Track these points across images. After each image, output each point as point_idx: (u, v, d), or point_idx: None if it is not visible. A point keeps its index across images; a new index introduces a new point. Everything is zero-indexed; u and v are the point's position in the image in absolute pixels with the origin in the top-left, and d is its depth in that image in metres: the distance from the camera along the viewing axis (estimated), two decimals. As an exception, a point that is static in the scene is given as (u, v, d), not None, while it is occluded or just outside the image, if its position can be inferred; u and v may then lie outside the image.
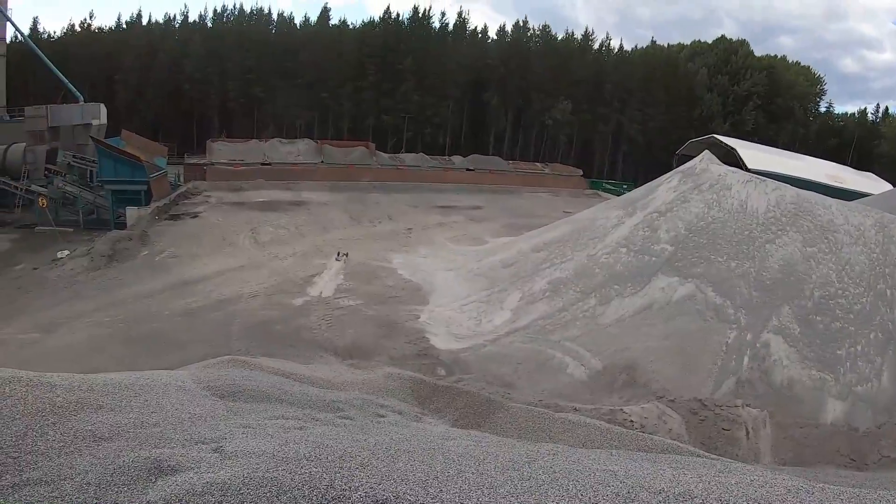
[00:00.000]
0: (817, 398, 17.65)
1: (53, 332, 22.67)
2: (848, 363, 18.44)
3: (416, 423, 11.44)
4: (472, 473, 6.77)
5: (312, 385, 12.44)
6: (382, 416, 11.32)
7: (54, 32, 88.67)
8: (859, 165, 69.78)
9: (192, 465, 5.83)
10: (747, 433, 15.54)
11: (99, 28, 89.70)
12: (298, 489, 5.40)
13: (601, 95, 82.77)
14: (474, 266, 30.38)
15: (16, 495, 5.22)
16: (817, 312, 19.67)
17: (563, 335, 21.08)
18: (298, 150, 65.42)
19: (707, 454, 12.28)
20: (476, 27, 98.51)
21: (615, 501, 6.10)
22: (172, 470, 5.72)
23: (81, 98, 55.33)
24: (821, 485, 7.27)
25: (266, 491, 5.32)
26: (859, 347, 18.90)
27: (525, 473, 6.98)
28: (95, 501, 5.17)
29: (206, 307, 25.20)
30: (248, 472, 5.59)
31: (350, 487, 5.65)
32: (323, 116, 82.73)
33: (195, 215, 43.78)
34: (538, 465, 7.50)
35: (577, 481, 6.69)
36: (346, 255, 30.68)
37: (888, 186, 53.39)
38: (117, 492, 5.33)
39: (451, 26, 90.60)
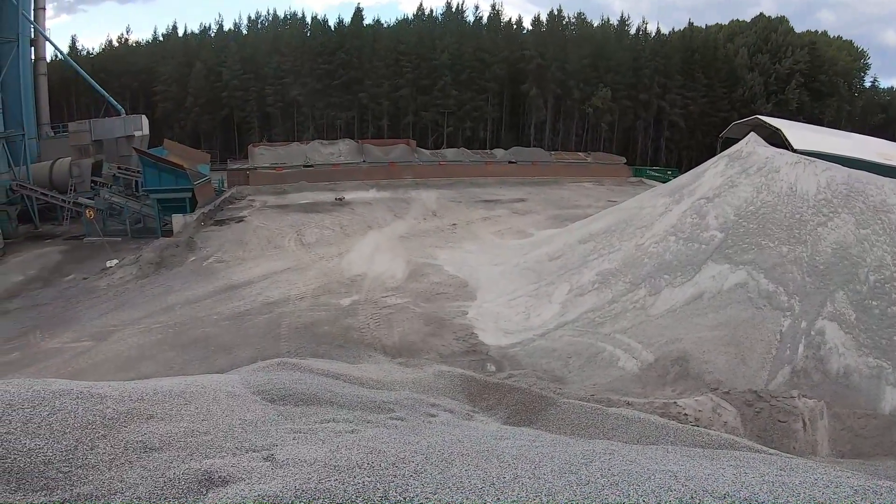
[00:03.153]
0: (875, 387, 16.84)
1: (105, 340, 23.09)
2: None
3: (467, 422, 11.36)
4: (529, 478, 6.63)
5: (362, 386, 12.42)
6: (434, 416, 11.25)
7: (93, 49, 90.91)
8: None
9: (243, 476, 5.79)
10: (804, 425, 15.07)
11: (136, 42, 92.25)
12: (352, 500, 5.33)
13: (640, 81, 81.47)
14: (521, 260, 30.13)
15: None
16: (873, 297, 18.85)
17: (614, 327, 20.74)
18: (339, 151, 65.87)
19: (765, 448, 11.95)
20: (510, 18, 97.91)
21: (679, 507, 5.92)
22: (223, 481, 5.69)
23: (123, 111, 56.83)
24: (888, 484, 6.99)
25: (319, 503, 5.26)
26: None
27: (582, 477, 6.81)
28: None
29: (254, 310, 25.41)
30: (299, 484, 5.52)
31: (404, 498, 5.56)
32: (362, 116, 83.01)
33: (240, 220, 44.36)
34: (595, 466, 7.32)
35: (636, 485, 6.50)
36: (342, 198, 30.18)
37: None
38: None
39: (485, 19, 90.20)
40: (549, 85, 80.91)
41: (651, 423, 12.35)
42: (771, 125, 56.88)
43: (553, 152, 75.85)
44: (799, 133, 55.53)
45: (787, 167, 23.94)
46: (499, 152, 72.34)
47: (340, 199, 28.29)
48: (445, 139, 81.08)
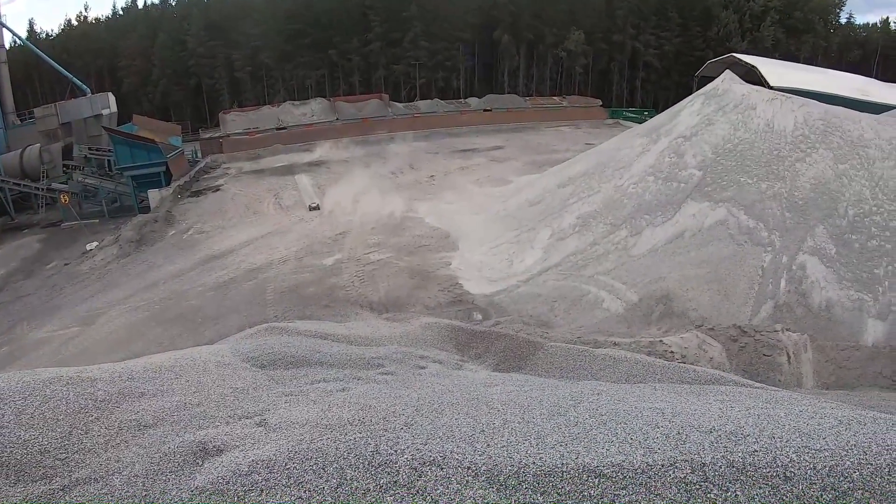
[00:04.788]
0: (857, 319, 17.17)
1: (92, 323, 22.95)
2: (886, 282, 17.79)
3: (457, 372, 11.45)
4: (518, 423, 6.71)
5: (350, 343, 12.45)
6: (423, 368, 11.32)
7: (52, 31, 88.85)
8: (885, 77, 67.30)
9: (237, 443, 5.84)
10: (788, 358, 15.32)
11: (96, 19, 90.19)
12: (344, 458, 5.38)
13: (614, 23, 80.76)
14: (501, 207, 30.13)
15: (67, 497, 5.26)
16: (852, 231, 19.04)
17: (597, 269, 20.87)
18: (312, 111, 65.12)
19: (750, 382, 12.15)
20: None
21: (666, 444, 6.00)
22: (217, 450, 5.73)
23: (88, 91, 55.77)
24: (872, 414, 7.12)
25: (312, 464, 5.30)
26: None
27: (571, 418, 6.90)
28: (144, 493, 5.19)
29: (238, 278, 25.34)
30: (292, 446, 5.57)
31: (396, 451, 5.62)
32: (332, 74, 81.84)
33: (217, 189, 43.96)
34: (583, 407, 7.42)
35: (625, 423, 6.60)
36: (318, 206, 29.49)
37: None
38: (165, 480, 5.35)
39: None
40: (521, 31, 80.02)
41: (638, 362, 12.48)
42: (746, 63, 56.82)
43: (528, 98, 75.35)
44: (775, 70, 55.61)
45: (763, 104, 23.90)
46: (473, 101, 71.78)
47: (315, 207, 27.51)
48: (419, 91, 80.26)
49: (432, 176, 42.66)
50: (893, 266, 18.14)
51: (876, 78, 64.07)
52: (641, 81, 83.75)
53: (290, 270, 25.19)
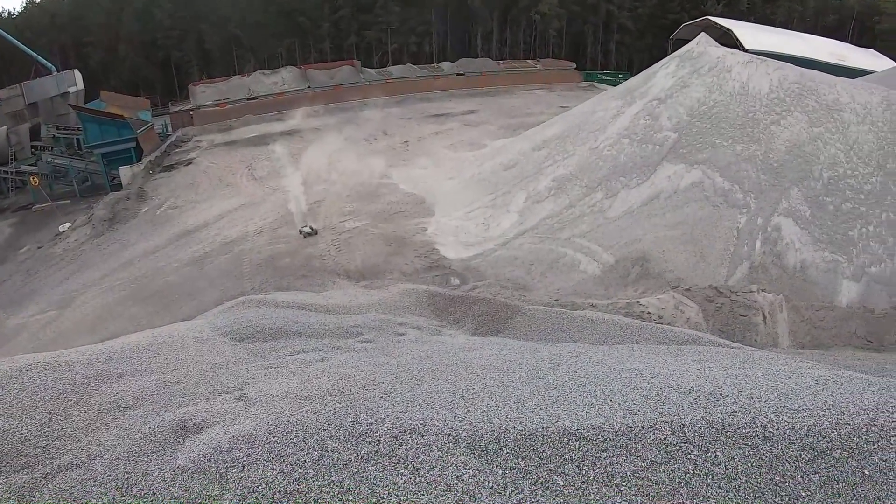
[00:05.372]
0: (831, 280, 17.54)
1: (69, 306, 22.59)
2: (860, 244, 18.20)
3: (436, 338, 11.46)
4: (498, 387, 6.73)
5: (329, 313, 12.42)
6: (402, 335, 11.33)
7: (14, 9, 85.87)
8: (860, 42, 67.46)
9: (217, 420, 5.80)
10: (764, 318, 15.51)
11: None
12: (325, 429, 5.36)
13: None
14: (475, 172, 29.98)
15: (49, 486, 5.20)
16: (827, 193, 19.27)
17: (573, 232, 20.91)
18: (283, 79, 64.05)
19: (727, 342, 12.31)
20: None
21: (646, 405, 6.04)
22: (198, 427, 5.70)
23: (54, 69, 54.33)
24: (848, 374, 7.21)
25: (293, 437, 5.28)
26: (871, 228, 18.59)
27: (551, 381, 6.93)
28: (126, 476, 5.15)
29: (214, 252, 25.00)
30: (272, 420, 5.55)
31: (376, 420, 5.61)
32: (303, 42, 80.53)
33: (189, 162, 43.09)
34: (563, 370, 7.45)
35: (603, 385, 6.64)
36: (313, 232, 26.91)
37: (891, 63, 51.99)
38: (147, 461, 5.32)
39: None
40: None
41: (615, 323, 12.59)
42: (722, 25, 56.78)
43: (501, 62, 74.77)
44: (750, 33, 55.77)
45: (738, 67, 23.89)
46: (446, 65, 71.06)
47: (311, 233, 25.19)
48: (391, 57, 79.29)
49: (406, 142, 42.31)
50: (867, 228, 18.43)
51: (851, 43, 64.51)
52: (616, 44, 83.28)
53: (266, 242, 24.95)
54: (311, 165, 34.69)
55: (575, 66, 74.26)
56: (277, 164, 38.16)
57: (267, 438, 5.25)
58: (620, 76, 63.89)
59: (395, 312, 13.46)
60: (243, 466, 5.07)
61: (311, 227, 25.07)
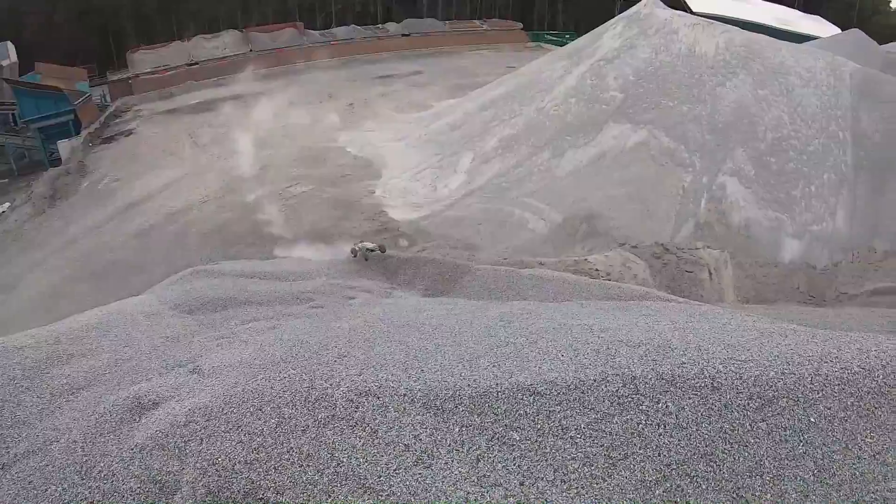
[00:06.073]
0: (775, 238, 18.23)
1: (15, 289, 21.92)
2: (803, 203, 18.92)
3: (386, 300, 11.46)
4: (451, 346, 6.79)
5: (279, 280, 12.30)
6: (352, 299, 11.29)
7: None
8: (807, 9, 68.82)
9: (172, 394, 5.76)
10: (710, 274, 15.91)
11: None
12: (280, 396, 5.36)
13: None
14: (422, 133, 29.83)
15: (7, 476, 5.11)
16: (771, 154, 19.86)
17: (520, 191, 21.05)
18: (224, 44, 62.44)
19: (674, 297, 12.56)
20: None
21: (597, 359, 6.15)
22: (153, 404, 5.66)
23: None
24: (792, 327, 7.43)
25: (249, 406, 5.28)
26: (813, 188, 19.34)
27: (502, 339, 7.01)
28: (85, 459, 5.08)
29: (159, 224, 24.56)
30: (227, 390, 5.53)
31: (332, 384, 5.62)
32: (245, 4, 78.57)
33: (129, 133, 41.80)
34: (514, 327, 7.54)
35: (554, 341, 6.74)
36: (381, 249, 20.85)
37: (836, 30, 52.84)
38: (105, 441, 5.27)
39: None
40: None
41: (564, 281, 12.71)
42: (671, -12, 56.94)
43: (447, 22, 74.10)
44: None
45: (685, 29, 24.14)
46: (391, 26, 70.13)
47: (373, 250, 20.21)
48: (335, 18, 77.93)
49: (351, 104, 41.80)
50: (810, 188, 19.15)
51: (798, 9, 65.82)
52: (563, 4, 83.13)
53: (213, 211, 24.57)
54: (255, 131, 34.03)
55: (522, 26, 73.89)
56: (221, 130, 37.28)
57: (223, 409, 5.23)
58: (567, 37, 63.82)
59: (346, 277, 13.40)
60: (201, 439, 5.06)
61: (373, 246, 17.46)
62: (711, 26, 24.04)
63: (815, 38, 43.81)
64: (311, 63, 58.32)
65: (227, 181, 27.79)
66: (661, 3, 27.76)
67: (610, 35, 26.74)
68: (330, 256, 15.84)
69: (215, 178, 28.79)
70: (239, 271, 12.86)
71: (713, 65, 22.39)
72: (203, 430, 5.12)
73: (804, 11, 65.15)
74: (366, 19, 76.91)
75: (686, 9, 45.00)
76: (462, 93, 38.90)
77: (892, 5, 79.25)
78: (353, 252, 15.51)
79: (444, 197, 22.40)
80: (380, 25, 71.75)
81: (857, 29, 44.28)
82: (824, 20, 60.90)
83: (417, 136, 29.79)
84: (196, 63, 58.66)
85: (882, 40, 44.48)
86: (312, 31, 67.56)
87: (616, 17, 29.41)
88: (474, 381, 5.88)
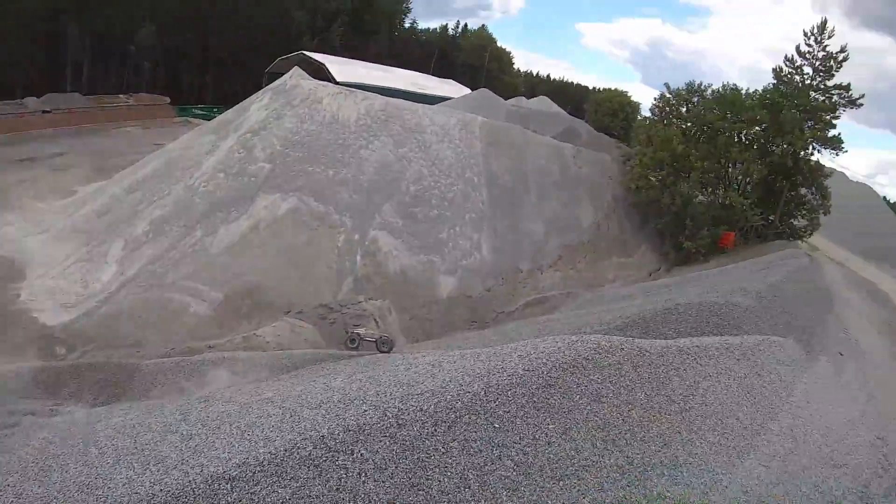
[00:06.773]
0: (430, 278, 20.17)
1: None
2: (450, 243, 21.38)
3: (54, 419, 10.55)
4: (133, 453, 6.72)
5: None
6: (13, 426, 10.21)
7: None
8: (441, 74, 77.19)
9: None
10: (377, 323, 16.98)
11: None
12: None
13: (185, 15, 77.85)
14: (67, 222, 27.62)
15: None
16: (416, 205, 22.00)
17: (177, 275, 20.15)
18: None
19: (347, 352, 13.41)
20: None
21: (283, 427, 6.58)
22: None
23: None
24: (458, 352, 8.49)
25: None
26: (458, 228, 21.94)
27: (185, 433, 7.09)
28: None
29: None
30: None
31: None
32: None
33: None
34: (194, 418, 7.66)
35: (238, 422, 7.01)
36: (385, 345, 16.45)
37: (466, 90, 60.92)
38: None
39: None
40: (91, 20, 72.85)
41: (237, 360, 12.88)
42: (315, 60, 60.14)
43: (91, 97, 69.46)
44: (341, 67, 60.42)
45: (329, 97, 25.59)
46: (31, 101, 63.48)
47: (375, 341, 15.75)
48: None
49: (-16, 195, 37.43)
50: (455, 229, 21.86)
51: (433, 75, 73.63)
52: (213, 77, 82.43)
53: None
54: None
55: (169, 100, 71.87)
56: None
57: None
58: (215, 110, 63.35)
59: (2, 402, 12.06)
60: None
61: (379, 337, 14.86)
62: (353, 94, 25.77)
63: (448, 98, 49.49)
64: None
65: None
66: (307, 75, 29.12)
67: (257, 107, 27.29)
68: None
69: None
70: None
71: (356, 129, 23.98)
72: None
73: (438, 76, 72.90)
74: (2, 93, 69.02)
75: (330, 79, 47.56)
76: (109, 174, 36.83)
77: (514, 67, 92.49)
78: (352, 340, 13.95)
79: (97, 292, 20.65)
80: (18, 101, 64.91)
81: (485, 88, 51.14)
82: (457, 83, 68.81)
83: (61, 226, 27.54)
84: None
85: (506, 95, 51.88)
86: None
87: (263, 90, 30.11)
88: (165, 483, 5.90)
